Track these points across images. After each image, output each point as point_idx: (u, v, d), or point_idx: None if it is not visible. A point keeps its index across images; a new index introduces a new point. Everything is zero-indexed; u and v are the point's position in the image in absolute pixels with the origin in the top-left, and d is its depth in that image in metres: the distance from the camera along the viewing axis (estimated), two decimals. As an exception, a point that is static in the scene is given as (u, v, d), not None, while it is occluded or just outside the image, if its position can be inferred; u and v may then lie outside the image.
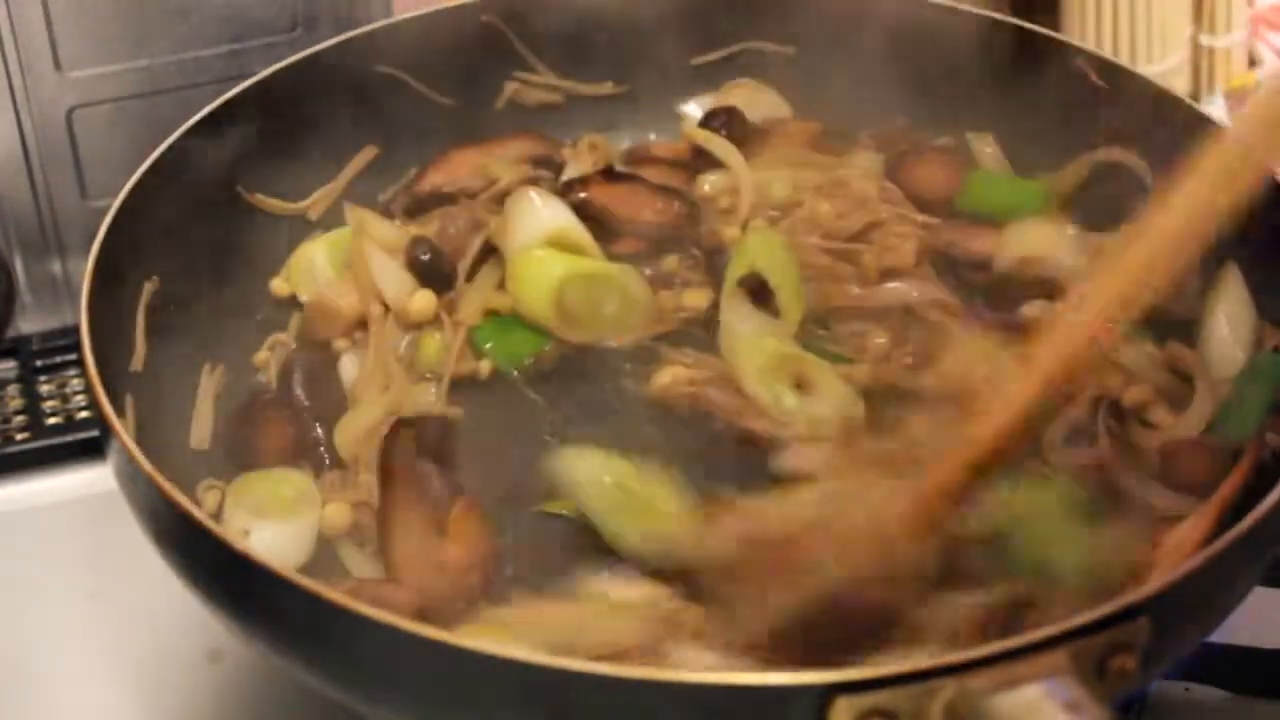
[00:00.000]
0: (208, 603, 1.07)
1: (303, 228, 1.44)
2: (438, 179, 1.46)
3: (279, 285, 1.40)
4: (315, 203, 1.45)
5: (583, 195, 1.40)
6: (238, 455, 1.27)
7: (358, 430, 1.26)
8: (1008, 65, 1.45)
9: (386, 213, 1.45)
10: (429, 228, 1.42)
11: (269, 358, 1.35)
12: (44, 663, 1.32)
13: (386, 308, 1.35)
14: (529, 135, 1.51)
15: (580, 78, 1.55)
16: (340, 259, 1.39)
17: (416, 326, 1.35)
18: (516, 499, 1.22)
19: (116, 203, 1.26)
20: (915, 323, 1.34)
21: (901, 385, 1.29)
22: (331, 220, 1.45)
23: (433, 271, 1.36)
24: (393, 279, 1.36)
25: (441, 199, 1.45)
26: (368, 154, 1.48)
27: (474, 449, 1.27)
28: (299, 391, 1.30)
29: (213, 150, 1.36)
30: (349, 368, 1.33)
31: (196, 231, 1.35)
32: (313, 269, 1.40)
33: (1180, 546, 1.09)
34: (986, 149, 1.48)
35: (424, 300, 1.34)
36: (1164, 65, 1.75)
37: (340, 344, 1.35)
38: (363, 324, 1.35)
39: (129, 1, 1.48)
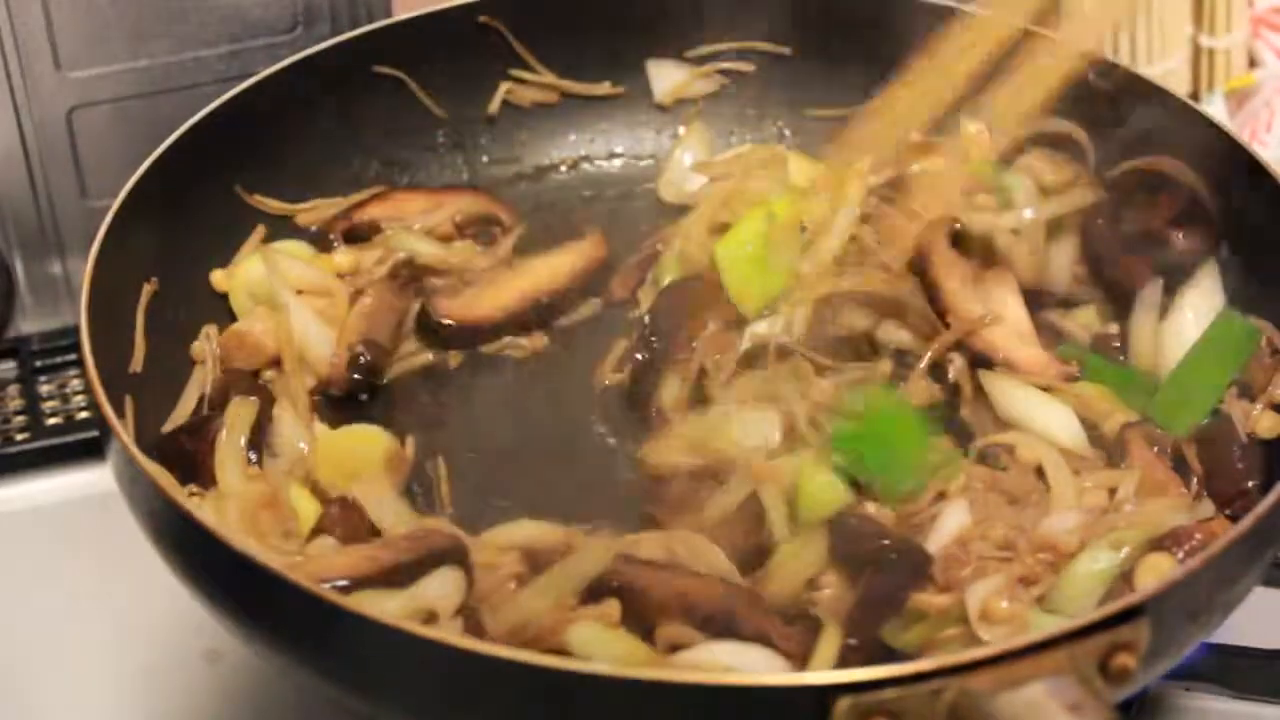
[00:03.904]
0: (207, 603, 1.07)
1: (296, 234, 1.44)
2: (378, 213, 1.43)
3: (219, 279, 1.35)
4: (315, 208, 1.44)
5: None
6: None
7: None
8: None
9: (321, 238, 1.42)
10: (363, 256, 1.39)
11: (204, 349, 1.31)
12: (43, 662, 1.32)
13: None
14: (480, 193, 1.48)
15: (578, 78, 1.55)
16: (281, 269, 1.35)
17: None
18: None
19: (116, 203, 1.26)
20: None
21: None
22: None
23: (367, 376, 1.31)
24: (315, 339, 1.32)
25: (379, 231, 1.42)
26: (376, 187, 1.48)
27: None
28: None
29: (212, 150, 1.36)
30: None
31: (196, 232, 1.35)
32: (251, 286, 1.34)
33: None
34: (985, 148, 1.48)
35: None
36: (1164, 65, 1.75)
37: (267, 374, 1.32)
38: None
39: (129, 1, 1.48)
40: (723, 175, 1.48)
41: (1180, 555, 1.10)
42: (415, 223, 1.43)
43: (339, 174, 1.47)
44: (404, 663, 0.98)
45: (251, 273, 1.36)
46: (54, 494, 1.46)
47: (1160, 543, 1.12)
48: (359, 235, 1.42)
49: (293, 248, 1.40)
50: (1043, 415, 1.25)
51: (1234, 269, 1.31)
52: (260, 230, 1.41)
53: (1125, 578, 1.10)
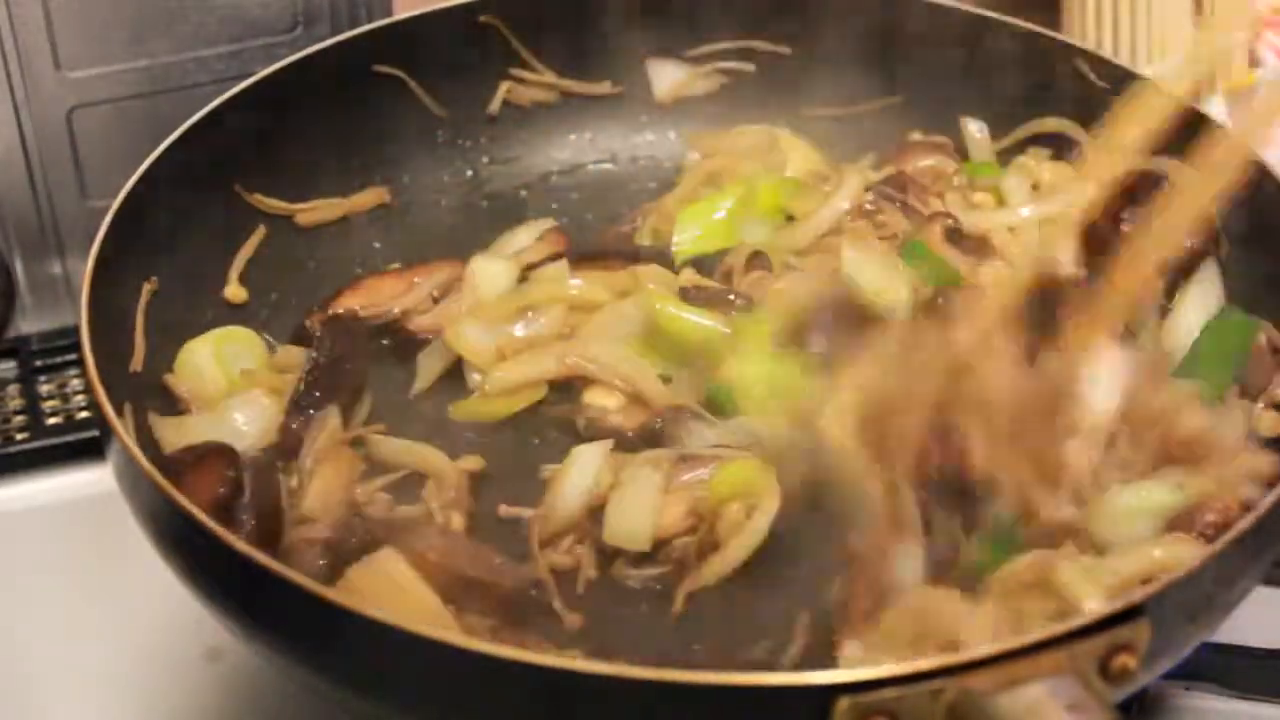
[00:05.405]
0: (207, 603, 1.07)
1: (296, 234, 1.44)
2: (353, 302, 1.38)
3: (172, 381, 1.28)
4: (315, 208, 1.44)
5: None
6: None
7: None
8: (1008, 66, 1.45)
9: (298, 331, 1.37)
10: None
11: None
12: (43, 662, 1.32)
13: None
14: (454, 261, 1.41)
15: (578, 78, 1.55)
16: (228, 358, 1.31)
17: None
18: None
19: (116, 203, 1.26)
20: None
21: None
22: (326, 232, 1.45)
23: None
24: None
25: (356, 322, 1.36)
26: (377, 194, 1.48)
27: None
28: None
29: (212, 150, 1.36)
30: None
31: (196, 232, 1.35)
32: (199, 371, 1.29)
33: None
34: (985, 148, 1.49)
35: None
36: (1164, 65, 1.75)
37: None
38: None
39: (129, 1, 1.48)
40: (713, 152, 1.48)
41: (1207, 530, 1.11)
42: (393, 307, 1.38)
43: (339, 174, 1.47)
44: (404, 663, 0.98)
45: (195, 354, 1.30)
46: (54, 494, 1.46)
47: (1184, 520, 1.12)
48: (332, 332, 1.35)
49: (244, 336, 1.35)
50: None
51: (1234, 269, 1.32)
52: (260, 231, 1.41)
53: (1173, 523, 1.12)
